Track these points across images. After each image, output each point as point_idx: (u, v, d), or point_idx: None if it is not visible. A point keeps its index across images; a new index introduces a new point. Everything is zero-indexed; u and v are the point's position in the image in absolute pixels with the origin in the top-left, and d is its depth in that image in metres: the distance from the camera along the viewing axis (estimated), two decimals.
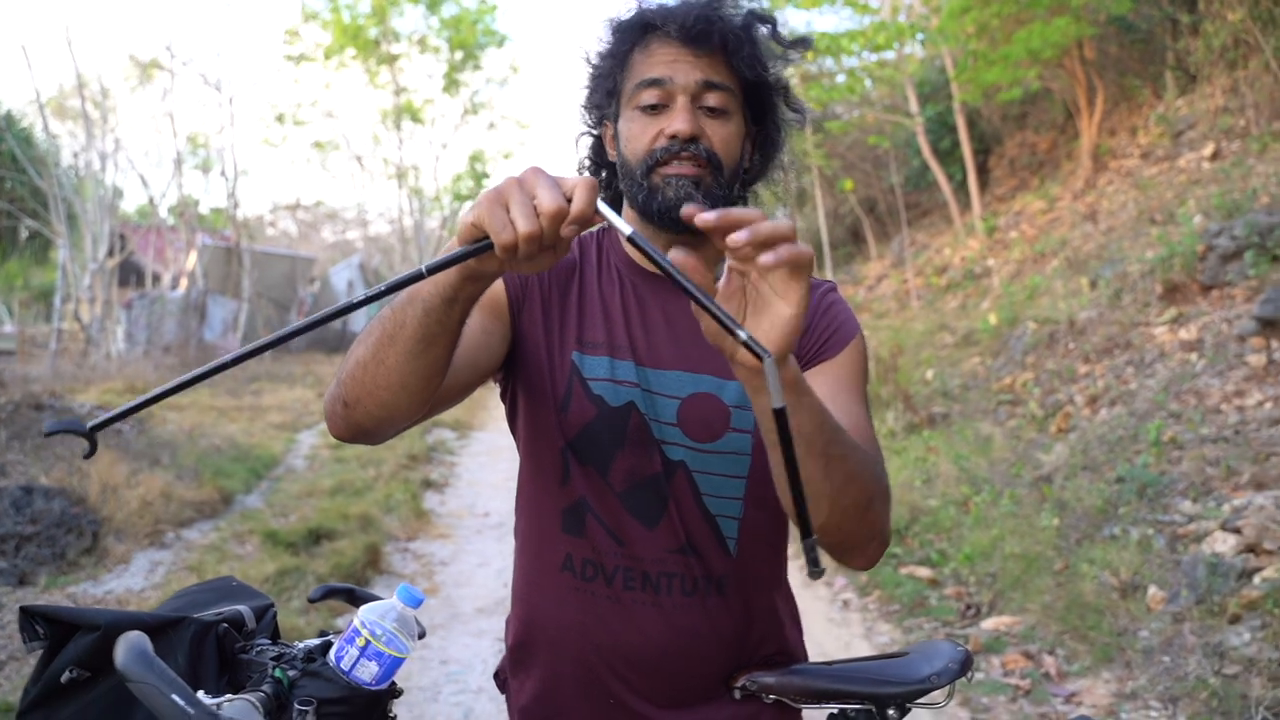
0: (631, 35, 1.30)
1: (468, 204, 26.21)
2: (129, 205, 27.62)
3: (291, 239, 35.02)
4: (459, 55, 23.59)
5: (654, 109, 1.27)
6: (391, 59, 23.36)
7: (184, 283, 19.52)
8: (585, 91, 1.39)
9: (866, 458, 1.12)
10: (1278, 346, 5.50)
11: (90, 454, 0.97)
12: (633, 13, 1.31)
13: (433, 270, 0.93)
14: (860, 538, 1.13)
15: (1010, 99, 12.12)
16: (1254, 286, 6.26)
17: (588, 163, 1.42)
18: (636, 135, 1.28)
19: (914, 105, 13.69)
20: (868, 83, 14.53)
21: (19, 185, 17.67)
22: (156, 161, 40.73)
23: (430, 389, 1.12)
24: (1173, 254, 7.03)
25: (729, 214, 0.87)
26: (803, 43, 1.34)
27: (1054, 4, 10.56)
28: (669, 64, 1.26)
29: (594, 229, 1.43)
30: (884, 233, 16.36)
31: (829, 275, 14.40)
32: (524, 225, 0.89)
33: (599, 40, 1.35)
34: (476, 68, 24.04)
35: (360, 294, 0.92)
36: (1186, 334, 6.35)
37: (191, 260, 19.45)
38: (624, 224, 0.90)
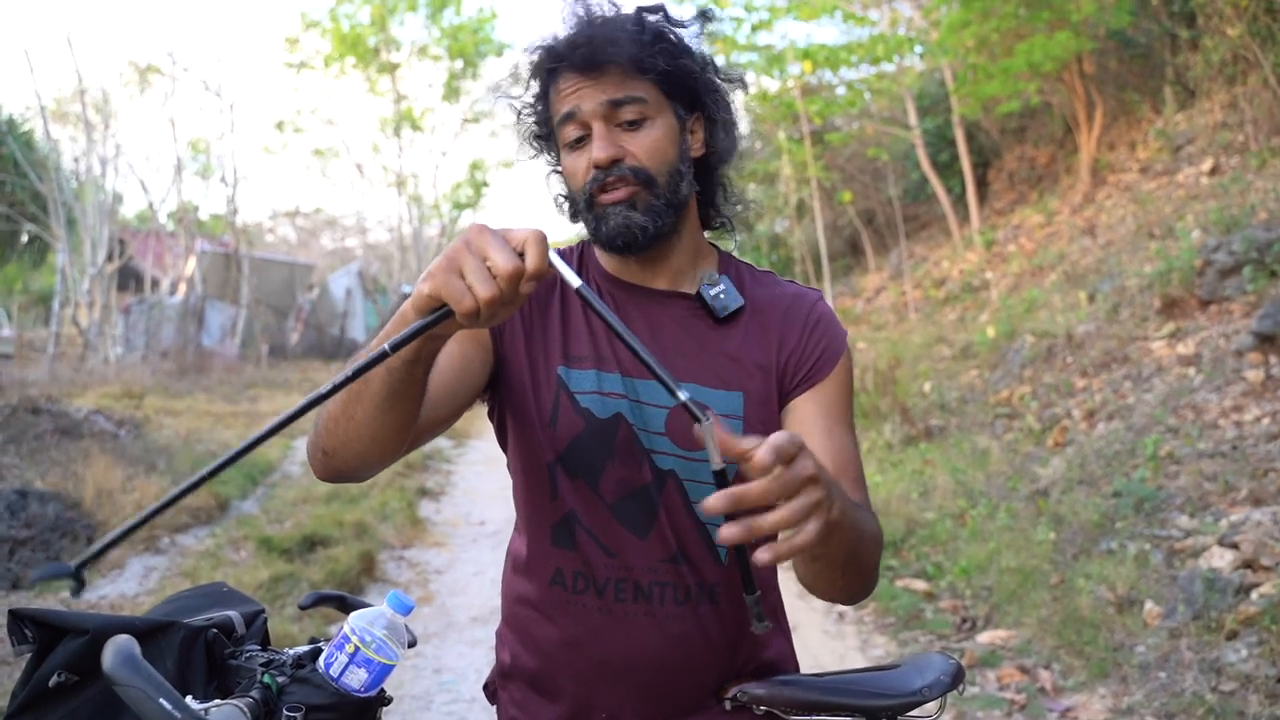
0: (542, 75, 1.32)
1: (467, 212, 26.24)
2: (129, 210, 27.68)
3: (290, 246, 35.07)
4: (459, 64, 23.64)
5: (579, 143, 1.28)
6: (392, 67, 23.41)
7: (182, 288, 19.53)
8: (528, 134, 1.40)
9: (874, 540, 1.20)
10: (1276, 362, 5.51)
11: (78, 591, 0.95)
12: (534, 54, 1.32)
13: (396, 347, 0.94)
14: (859, 595, 1.25)
15: (1009, 112, 12.15)
16: (1252, 302, 6.27)
17: (563, 199, 1.42)
18: (571, 171, 1.31)
19: (913, 118, 13.72)
20: (867, 95, 14.56)
21: (19, 189, 17.68)
22: (156, 167, 40.72)
23: (402, 437, 1.16)
24: (1171, 269, 7.04)
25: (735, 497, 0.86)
26: (703, 16, 1.34)
27: (1054, 18, 10.59)
28: (574, 95, 1.27)
29: (575, 244, 1.46)
30: (882, 245, 16.37)
31: (827, 287, 14.41)
32: (482, 291, 0.91)
33: (519, 84, 1.37)
34: (476, 76, 24.09)
35: (329, 383, 0.94)
36: (1184, 349, 6.35)
37: (190, 266, 19.46)
38: (573, 276, 0.92)
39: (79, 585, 0.93)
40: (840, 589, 1.21)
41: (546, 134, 1.35)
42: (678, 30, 1.31)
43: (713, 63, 1.35)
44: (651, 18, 1.29)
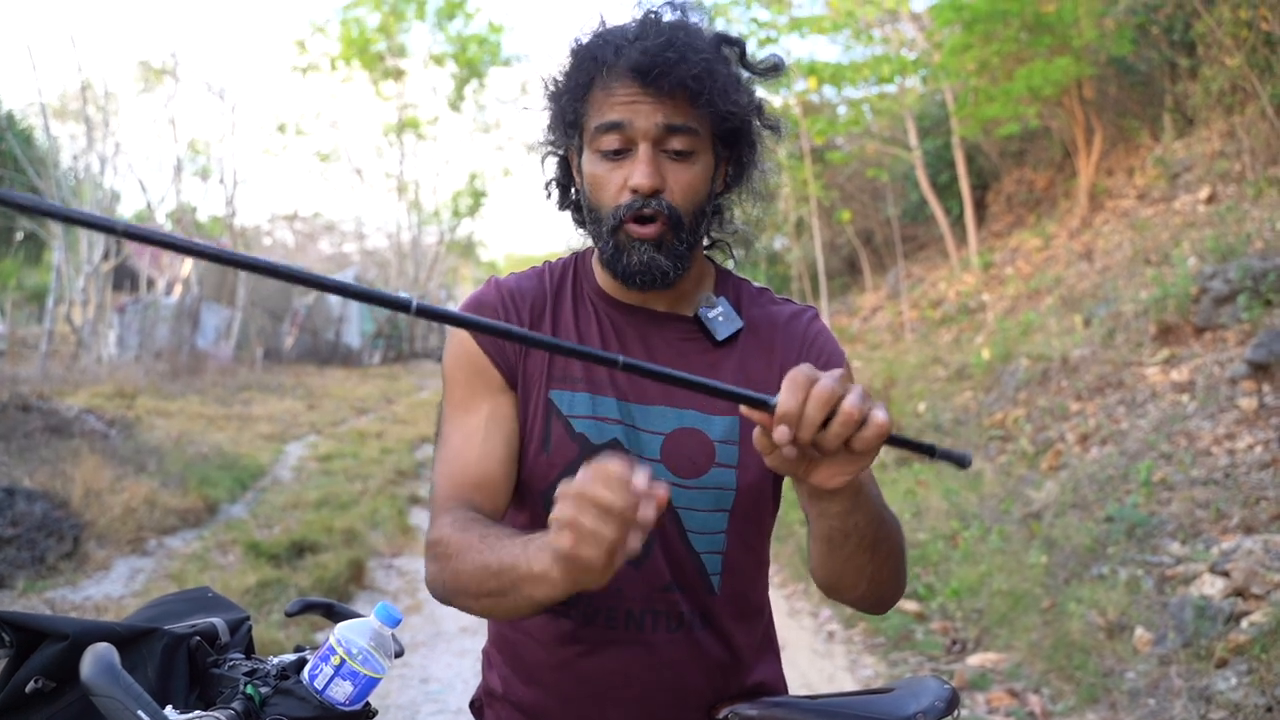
0: (591, 67, 1.23)
1: (465, 221, 26.23)
2: (127, 209, 27.59)
3: (288, 249, 35.00)
4: (465, 73, 23.71)
5: (616, 155, 1.22)
6: (398, 73, 23.46)
7: (178, 289, 19.50)
8: (547, 115, 1.32)
9: (898, 531, 1.20)
10: (1269, 390, 5.51)
11: None
12: (592, 42, 1.24)
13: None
14: (892, 598, 1.25)
15: (1009, 135, 12.19)
16: (1246, 330, 6.27)
17: (556, 186, 1.37)
18: (600, 183, 1.24)
19: (913, 138, 13.76)
20: (868, 113, 14.60)
21: (18, 185, 17.64)
22: (156, 167, 40.69)
23: None
24: (1167, 295, 7.05)
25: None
26: (774, 69, 1.29)
27: (1055, 44, 10.65)
28: (628, 106, 1.19)
29: (564, 257, 1.41)
30: (880, 264, 16.40)
31: (824, 305, 14.42)
32: None
33: (561, 64, 1.28)
34: (482, 86, 24.16)
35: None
36: (1178, 375, 6.35)
37: (187, 267, 19.42)
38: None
39: None
40: (870, 578, 1.16)
41: (573, 122, 1.27)
42: (748, 72, 1.27)
43: (761, 106, 1.29)
44: (728, 50, 1.24)
